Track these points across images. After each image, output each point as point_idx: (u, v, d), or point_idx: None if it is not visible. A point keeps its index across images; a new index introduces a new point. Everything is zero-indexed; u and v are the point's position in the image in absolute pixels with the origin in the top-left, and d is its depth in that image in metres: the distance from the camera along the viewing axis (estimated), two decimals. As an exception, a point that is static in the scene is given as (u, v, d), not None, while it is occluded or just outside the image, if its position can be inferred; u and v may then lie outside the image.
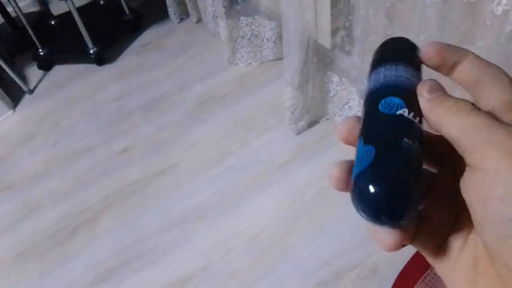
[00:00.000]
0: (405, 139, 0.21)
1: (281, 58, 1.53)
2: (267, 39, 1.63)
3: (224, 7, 1.54)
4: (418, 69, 0.26)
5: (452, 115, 0.21)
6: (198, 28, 1.96)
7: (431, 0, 0.79)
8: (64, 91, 1.81)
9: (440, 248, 0.23)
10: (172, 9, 1.96)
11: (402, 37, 0.28)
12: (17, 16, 1.81)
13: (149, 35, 1.99)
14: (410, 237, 0.23)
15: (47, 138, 1.63)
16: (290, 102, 1.34)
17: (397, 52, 0.26)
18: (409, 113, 0.22)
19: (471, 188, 0.20)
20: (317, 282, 1.09)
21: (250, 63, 1.73)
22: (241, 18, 1.60)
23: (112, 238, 1.29)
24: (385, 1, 0.95)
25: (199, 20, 1.96)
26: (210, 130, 1.54)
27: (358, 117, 0.25)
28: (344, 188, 0.23)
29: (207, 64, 1.79)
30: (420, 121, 0.23)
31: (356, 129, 0.24)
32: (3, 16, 1.97)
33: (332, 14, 1.21)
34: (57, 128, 1.66)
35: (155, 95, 1.71)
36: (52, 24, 2.01)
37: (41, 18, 2.05)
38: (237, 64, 1.74)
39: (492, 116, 0.20)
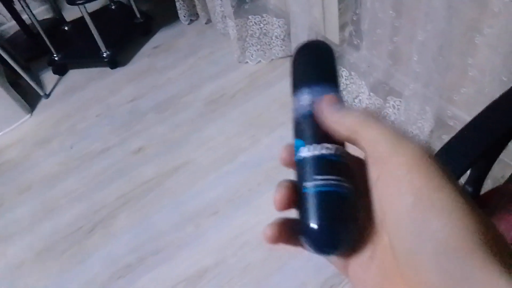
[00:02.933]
0: (311, 183, 0.23)
1: (291, 55, 1.54)
2: (276, 37, 1.65)
3: (233, 7, 1.56)
4: (333, 80, 0.27)
5: (364, 121, 0.22)
6: (208, 29, 1.98)
7: (437, -11, 0.80)
8: (79, 94, 1.85)
9: (351, 257, 0.24)
10: (182, 11, 1.99)
11: (316, 42, 0.28)
12: (32, 23, 1.86)
13: (160, 37, 2.03)
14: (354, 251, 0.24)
15: (63, 140, 1.67)
16: (300, 98, 1.35)
17: (310, 68, 0.27)
18: (318, 148, 0.24)
19: (385, 195, 0.21)
20: (331, 274, 1.10)
21: (260, 61, 1.74)
22: (250, 17, 1.62)
23: (128, 236, 1.32)
24: (391, -7, 0.95)
25: (208, 21, 1.99)
26: (221, 128, 1.56)
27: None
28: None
29: (217, 63, 1.81)
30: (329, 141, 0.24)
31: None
32: (19, 23, 2.02)
33: (339, 9, 1.22)
34: (73, 131, 1.70)
35: (167, 95, 1.73)
36: (66, 30, 2.06)
37: (54, 24, 2.10)
38: (247, 62, 1.76)
39: (396, 128, 0.21)
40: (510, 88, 0.61)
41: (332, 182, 0.23)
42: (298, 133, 0.26)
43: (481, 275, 0.17)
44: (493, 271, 0.17)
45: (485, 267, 0.17)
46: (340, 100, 0.25)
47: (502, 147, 0.66)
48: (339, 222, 0.23)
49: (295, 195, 0.24)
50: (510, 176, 0.72)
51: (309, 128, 0.25)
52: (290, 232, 0.25)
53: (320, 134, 0.24)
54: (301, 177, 0.24)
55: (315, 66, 0.27)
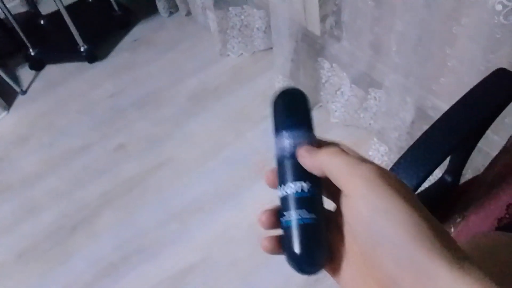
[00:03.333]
0: (283, 218, 0.29)
1: (272, 48, 1.53)
2: (257, 29, 1.63)
3: (213, -2, 1.54)
4: (307, 124, 0.31)
5: (328, 158, 0.27)
6: (188, 21, 1.95)
7: (415, -21, 0.79)
8: (57, 90, 1.81)
9: (337, 264, 0.29)
10: (161, 3, 1.95)
11: (292, 90, 0.32)
12: (6, 17, 1.80)
13: (139, 30, 1.99)
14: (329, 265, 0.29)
15: (42, 138, 1.63)
16: (282, 91, 1.34)
17: (286, 116, 0.31)
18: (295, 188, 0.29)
19: (348, 211, 0.26)
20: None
21: (242, 53, 1.73)
22: (230, 8, 1.60)
23: (111, 234, 1.30)
24: (370, -17, 0.95)
25: (188, 13, 1.96)
26: (204, 122, 1.54)
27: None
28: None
29: (198, 57, 1.79)
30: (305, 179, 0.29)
31: None
32: (-8, 18, 1.96)
33: (319, 0, 1.20)
34: (52, 128, 1.66)
35: (148, 90, 1.71)
36: (42, 24, 2.00)
37: (30, 18, 2.03)
38: (229, 55, 1.74)
39: (357, 156, 0.27)
40: (485, 78, 0.62)
41: (299, 216, 0.28)
42: (277, 174, 0.31)
43: (423, 261, 0.22)
44: (432, 256, 0.22)
45: (424, 254, 0.22)
46: (313, 142, 0.30)
47: (479, 136, 0.66)
48: (307, 249, 0.28)
49: (276, 218, 0.30)
50: (488, 165, 0.72)
51: (282, 170, 0.30)
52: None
53: (290, 174, 0.29)
54: (280, 212, 0.30)
55: (291, 114, 0.31)
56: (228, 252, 1.19)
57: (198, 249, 1.22)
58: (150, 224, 1.30)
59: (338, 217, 0.29)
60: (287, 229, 0.29)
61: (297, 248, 0.28)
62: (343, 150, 0.28)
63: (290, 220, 0.28)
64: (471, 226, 0.60)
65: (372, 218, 0.24)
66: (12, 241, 1.35)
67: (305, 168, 0.29)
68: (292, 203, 0.29)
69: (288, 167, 0.30)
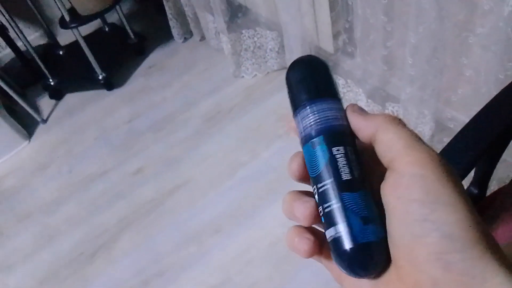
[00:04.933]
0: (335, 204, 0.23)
1: (286, 68, 1.54)
2: (270, 50, 1.65)
3: (225, 22, 1.56)
4: (334, 95, 0.26)
5: (387, 124, 0.23)
6: (202, 46, 1.99)
7: (427, -8, 0.79)
8: (76, 118, 1.84)
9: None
10: (175, 30, 1.99)
11: (310, 59, 0.27)
12: (27, 49, 1.86)
13: (154, 57, 2.03)
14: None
15: (61, 165, 1.66)
16: (297, 109, 1.34)
17: (304, 87, 0.26)
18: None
19: (394, 190, 0.22)
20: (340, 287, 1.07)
21: (256, 75, 1.74)
22: (243, 31, 1.62)
23: (131, 259, 1.30)
24: (381, -2, 0.95)
25: (202, 38, 1.99)
26: (220, 144, 1.55)
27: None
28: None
29: (213, 79, 1.81)
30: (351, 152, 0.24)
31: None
32: (13, 50, 2.03)
33: (331, 17, 1.21)
34: (71, 155, 1.69)
35: (163, 114, 1.73)
36: (60, 54, 2.06)
37: (49, 49, 2.10)
38: (243, 77, 1.75)
39: (414, 132, 0.23)
40: (506, 86, 0.60)
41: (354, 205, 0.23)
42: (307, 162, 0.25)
43: (481, 266, 0.19)
44: (492, 263, 0.19)
45: (485, 259, 0.19)
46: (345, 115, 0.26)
47: (503, 145, 0.64)
48: (380, 243, 0.22)
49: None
50: (514, 176, 0.70)
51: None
52: (320, 246, 0.25)
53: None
54: (322, 198, 0.24)
55: (313, 82, 0.26)
56: (248, 273, 1.17)
57: (218, 271, 1.20)
58: (168, 248, 1.29)
59: None
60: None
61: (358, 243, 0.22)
62: (402, 121, 0.24)
63: (338, 207, 0.23)
64: (499, 238, 0.58)
65: (426, 203, 0.20)
66: (33, 269, 1.35)
67: (354, 128, 0.24)
68: (337, 190, 0.23)
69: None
